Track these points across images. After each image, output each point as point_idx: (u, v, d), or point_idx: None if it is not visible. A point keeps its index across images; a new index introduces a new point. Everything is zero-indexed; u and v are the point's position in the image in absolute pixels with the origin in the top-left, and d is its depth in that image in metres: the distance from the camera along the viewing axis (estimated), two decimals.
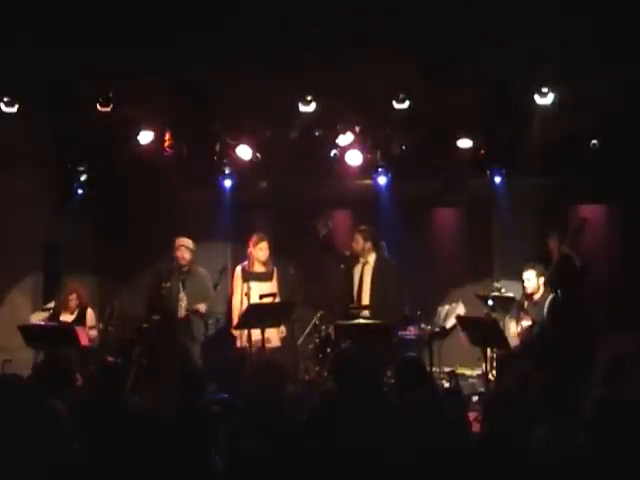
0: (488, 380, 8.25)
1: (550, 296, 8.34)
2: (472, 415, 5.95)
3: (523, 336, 8.34)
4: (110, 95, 8.73)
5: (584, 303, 8.55)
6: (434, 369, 8.88)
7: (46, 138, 9.20)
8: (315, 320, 9.20)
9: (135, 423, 4.54)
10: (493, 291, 9.16)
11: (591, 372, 7.49)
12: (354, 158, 9.65)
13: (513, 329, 8.44)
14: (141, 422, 4.50)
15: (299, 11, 7.68)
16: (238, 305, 8.94)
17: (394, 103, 8.85)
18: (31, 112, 8.86)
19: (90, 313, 9.08)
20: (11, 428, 4.25)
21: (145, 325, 8.83)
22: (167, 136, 9.52)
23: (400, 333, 8.96)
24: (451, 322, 8.92)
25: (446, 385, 8.80)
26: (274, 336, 8.88)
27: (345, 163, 9.70)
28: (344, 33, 7.79)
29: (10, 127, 8.83)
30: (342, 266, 9.27)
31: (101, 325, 9.03)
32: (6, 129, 8.83)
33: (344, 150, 9.60)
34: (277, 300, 8.92)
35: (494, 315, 8.53)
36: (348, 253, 9.25)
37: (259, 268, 9.08)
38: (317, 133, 9.53)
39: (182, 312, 8.93)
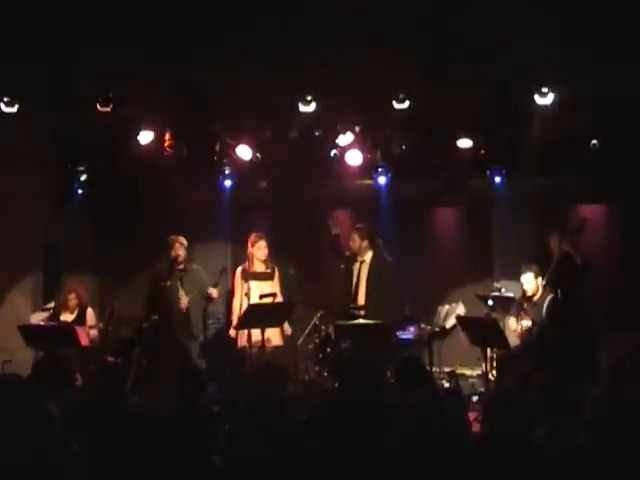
0: (488, 380, 8.24)
1: (549, 296, 8.33)
2: (472, 415, 5.94)
3: (523, 336, 8.33)
4: (110, 95, 8.73)
5: (584, 303, 8.54)
6: (434, 369, 8.89)
7: (46, 138, 9.22)
8: (315, 320, 9.20)
9: (135, 423, 4.53)
10: (493, 291, 9.16)
11: (591, 372, 7.50)
12: (354, 158, 9.65)
13: (513, 325, 8.42)
14: (141, 422, 4.49)
15: (299, 11, 7.68)
16: (238, 308, 8.92)
17: (394, 103, 8.86)
18: (31, 112, 8.87)
19: (90, 313, 9.07)
20: (5, 428, 4.25)
21: (145, 325, 8.83)
22: (167, 136, 9.53)
23: (400, 333, 8.97)
24: (451, 322, 8.92)
25: (446, 385, 8.81)
26: (275, 335, 8.85)
27: (345, 163, 9.70)
28: (344, 33, 7.80)
29: (10, 127, 8.83)
30: (342, 266, 9.27)
31: (101, 325, 9.04)
32: (6, 129, 8.83)
33: (344, 150, 9.60)
34: (279, 300, 8.92)
35: (494, 315, 8.52)
36: (348, 253, 9.25)
37: (259, 267, 9.07)
38: (317, 133, 9.54)
39: (183, 308, 8.92)
